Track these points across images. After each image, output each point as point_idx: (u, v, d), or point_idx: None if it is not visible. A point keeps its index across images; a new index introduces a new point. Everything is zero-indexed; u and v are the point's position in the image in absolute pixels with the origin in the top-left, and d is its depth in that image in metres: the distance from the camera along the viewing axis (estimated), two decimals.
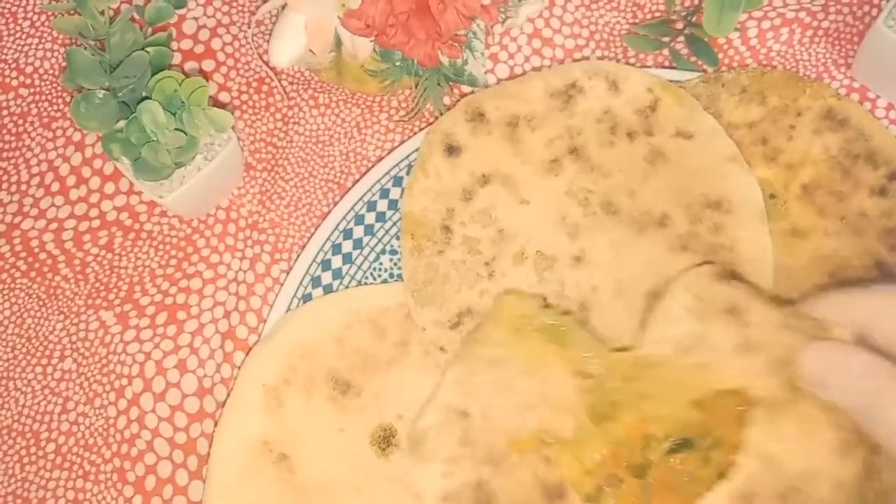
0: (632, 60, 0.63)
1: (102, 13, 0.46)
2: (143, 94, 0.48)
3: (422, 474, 0.47)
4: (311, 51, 0.53)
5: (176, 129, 0.47)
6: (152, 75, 0.49)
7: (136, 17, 0.52)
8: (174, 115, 0.48)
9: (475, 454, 0.47)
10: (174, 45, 0.63)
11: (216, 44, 0.63)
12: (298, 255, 0.55)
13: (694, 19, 0.61)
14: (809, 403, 0.44)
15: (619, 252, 0.53)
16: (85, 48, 0.47)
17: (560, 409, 0.46)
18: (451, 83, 0.57)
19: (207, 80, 0.62)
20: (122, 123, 0.50)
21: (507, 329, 0.49)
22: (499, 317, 0.50)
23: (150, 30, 0.52)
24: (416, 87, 0.57)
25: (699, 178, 0.54)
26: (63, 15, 0.47)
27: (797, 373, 0.43)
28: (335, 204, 0.56)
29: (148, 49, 0.50)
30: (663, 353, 0.47)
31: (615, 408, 0.46)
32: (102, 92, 0.48)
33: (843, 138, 0.55)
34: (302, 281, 0.53)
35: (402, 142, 0.58)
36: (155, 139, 0.47)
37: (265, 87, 0.63)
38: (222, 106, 0.61)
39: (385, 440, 0.50)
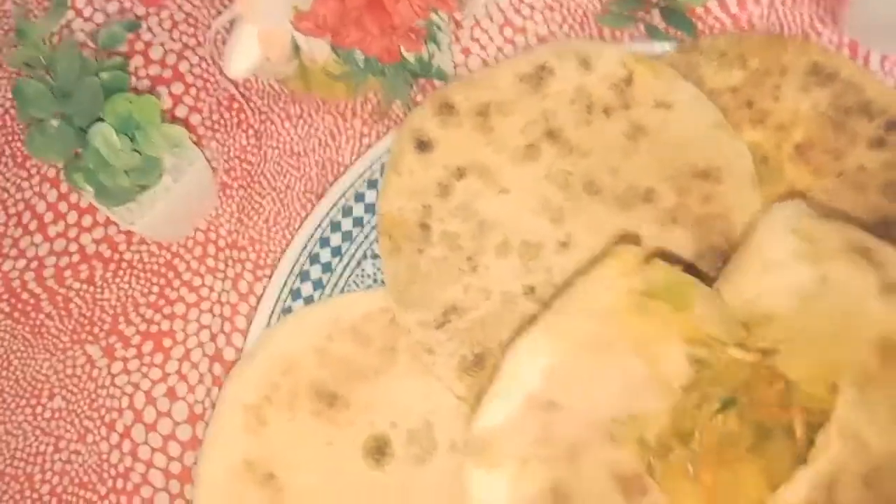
0: (607, 40, 0.61)
1: (45, 42, 0.45)
2: (98, 119, 0.47)
3: (489, 483, 0.41)
4: (268, 59, 0.52)
5: (133, 150, 0.46)
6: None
7: (90, 43, 0.51)
8: (130, 136, 0.47)
9: (554, 452, 0.41)
10: (143, 71, 0.62)
11: (183, 66, 0.62)
12: (273, 270, 0.53)
13: None
14: None
15: (606, 233, 0.51)
16: (34, 78, 0.46)
17: (662, 387, 0.41)
18: (419, 79, 0.56)
19: (177, 103, 0.62)
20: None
21: (619, 297, 0.42)
22: (607, 279, 0.43)
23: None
24: (381, 87, 0.55)
25: (683, 148, 0.52)
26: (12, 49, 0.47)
27: None
28: (308, 214, 0.55)
29: (103, 73, 0.49)
30: (783, 305, 0.42)
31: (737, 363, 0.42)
32: (56, 121, 0.47)
33: (833, 93, 0.53)
34: (280, 295, 0.52)
35: (374, 143, 0.56)
36: (111, 163, 0.46)
37: (236, 105, 0.62)
38: (193, 128, 0.61)
39: (379, 450, 0.48)
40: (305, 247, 0.53)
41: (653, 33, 0.59)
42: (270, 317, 0.51)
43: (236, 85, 0.61)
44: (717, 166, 0.51)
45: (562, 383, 0.42)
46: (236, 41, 0.50)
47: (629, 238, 0.49)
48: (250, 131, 0.61)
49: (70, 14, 0.59)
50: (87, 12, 0.62)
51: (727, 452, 0.41)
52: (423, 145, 0.53)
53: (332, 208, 0.54)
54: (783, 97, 0.53)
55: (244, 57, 0.50)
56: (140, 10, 0.64)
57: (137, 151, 0.46)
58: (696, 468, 0.41)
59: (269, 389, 0.48)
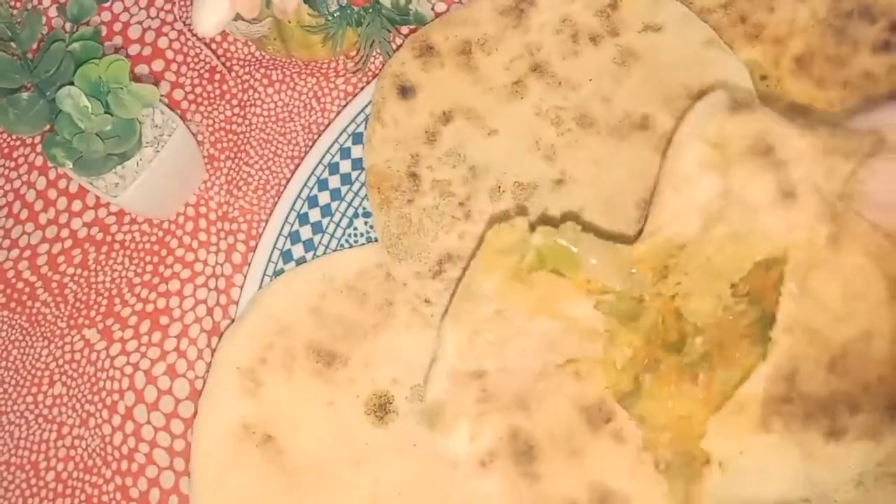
0: None
1: (9, 8, 0.44)
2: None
3: (450, 445, 0.42)
4: (239, 15, 0.50)
5: (105, 113, 0.44)
6: None
7: (63, 19, 0.50)
8: (103, 102, 0.45)
9: (500, 404, 0.42)
10: (123, 52, 0.61)
11: (163, 42, 0.61)
12: (262, 231, 0.52)
13: None
14: (857, 252, 0.38)
15: (602, 165, 0.48)
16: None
17: (587, 333, 0.42)
18: (397, 25, 0.54)
19: (159, 81, 0.61)
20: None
21: (501, 277, 0.43)
22: (488, 261, 0.44)
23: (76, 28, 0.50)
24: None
25: (677, 70, 0.49)
26: None
27: (858, 200, 0.37)
28: (292, 172, 0.53)
29: (74, 45, 0.48)
30: (688, 231, 0.40)
31: (642, 304, 0.41)
32: (28, 94, 0.46)
33: None
34: (271, 257, 0.50)
35: (354, 95, 0.55)
36: (83, 128, 0.44)
37: (217, 77, 0.60)
38: (177, 103, 0.59)
39: (381, 408, 0.46)
40: (293, 207, 0.51)
41: None
42: (262, 280, 0.50)
43: (217, 56, 0.60)
44: (712, 86, 0.48)
45: (480, 355, 0.43)
46: None
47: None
48: (234, 101, 0.59)
49: None
50: None
51: (727, 350, 0.39)
52: (405, 91, 0.51)
53: (316, 165, 0.52)
54: (778, 7, 0.50)
55: (213, 13, 0.48)
56: None
57: (110, 114, 0.44)
58: (694, 370, 0.39)
59: (264, 351, 0.46)
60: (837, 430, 0.40)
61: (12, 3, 0.45)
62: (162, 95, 0.58)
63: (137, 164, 0.51)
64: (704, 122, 0.41)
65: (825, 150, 0.38)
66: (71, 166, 0.48)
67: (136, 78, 0.50)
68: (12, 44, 0.45)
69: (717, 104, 0.41)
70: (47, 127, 0.47)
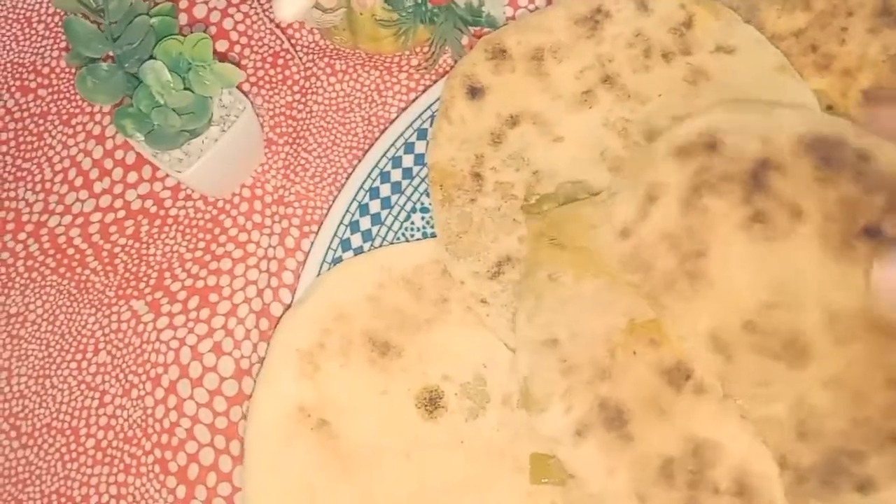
0: None
1: None
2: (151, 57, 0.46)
3: (546, 423, 0.44)
4: (319, 5, 0.51)
5: (185, 89, 0.45)
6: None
7: None
8: (181, 78, 0.46)
9: (583, 376, 0.44)
10: (188, 30, 0.62)
11: (228, 24, 0.62)
12: (324, 219, 0.52)
13: None
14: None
15: None
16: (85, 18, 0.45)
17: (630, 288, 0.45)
18: (469, 26, 0.54)
19: (222, 60, 0.61)
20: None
21: (540, 242, 0.47)
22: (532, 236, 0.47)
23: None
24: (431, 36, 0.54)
25: (747, 93, 0.50)
26: None
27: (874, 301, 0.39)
28: (358, 162, 0.54)
29: (152, 19, 0.48)
30: None
31: None
32: (107, 64, 0.46)
33: None
34: (331, 244, 0.51)
35: (423, 91, 0.55)
36: (163, 102, 0.45)
37: (280, 62, 0.61)
38: (239, 85, 0.60)
39: (432, 402, 0.47)
40: (355, 197, 0.52)
41: None
42: (321, 265, 0.50)
43: (282, 41, 0.61)
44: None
45: (547, 322, 0.45)
46: None
47: None
48: (296, 87, 0.60)
49: None
50: None
51: None
52: (474, 91, 0.51)
53: (381, 158, 0.52)
54: (850, 40, 0.51)
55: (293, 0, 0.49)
56: None
57: (190, 90, 0.45)
58: None
59: (322, 336, 0.47)
60: (864, 481, 0.41)
61: None
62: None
63: (203, 141, 0.51)
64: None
65: None
66: (142, 138, 0.49)
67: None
68: (100, 15, 0.45)
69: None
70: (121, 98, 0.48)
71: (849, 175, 0.43)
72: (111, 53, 0.46)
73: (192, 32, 0.55)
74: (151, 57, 0.45)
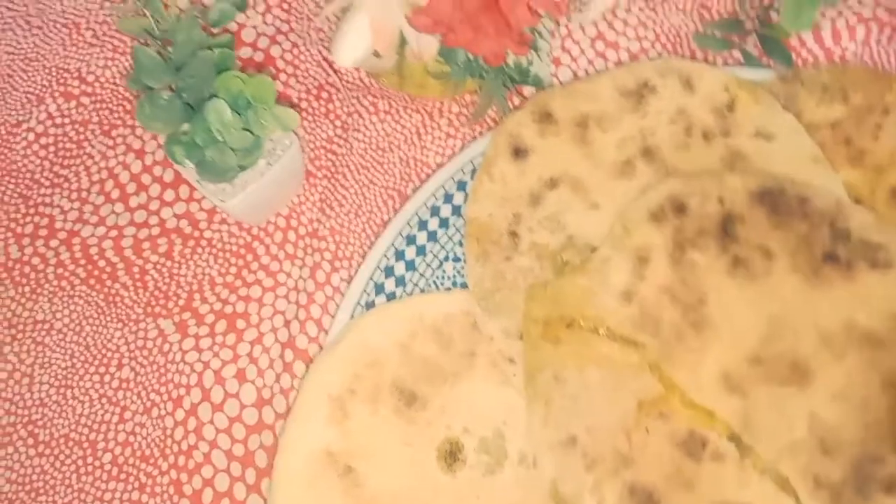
0: (701, 62, 0.61)
1: (167, 8, 0.45)
2: (209, 95, 0.47)
3: None
4: (375, 52, 0.52)
5: (243, 129, 0.46)
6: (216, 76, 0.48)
7: (203, 22, 0.51)
8: (240, 114, 0.47)
9: (607, 466, 0.45)
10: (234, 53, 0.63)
11: (275, 51, 0.63)
12: (362, 261, 0.53)
13: (766, 19, 0.59)
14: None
15: None
16: (150, 47, 0.46)
17: (631, 367, 0.47)
18: (515, 84, 0.56)
19: None
20: (185, 126, 0.49)
21: (533, 342, 0.48)
22: (526, 331, 0.49)
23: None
24: (478, 90, 0.55)
25: None
26: (128, 16, 0.47)
27: None
28: (399, 208, 0.55)
29: (212, 50, 0.49)
30: None
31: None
32: (167, 93, 0.47)
33: None
34: (365, 288, 0.52)
35: (466, 145, 0.57)
36: (221, 139, 0.46)
37: (325, 94, 0.62)
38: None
39: (452, 455, 0.48)
40: (393, 242, 0.53)
41: (749, 60, 0.59)
42: (354, 308, 0.51)
43: (328, 74, 0.62)
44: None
45: (562, 422, 0.47)
46: (348, 29, 0.50)
47: None
48: (338, 122, 0.61)
49: None
50: None
51: None
52: (518, 152, 0.53)
53: (421, 206, 0.54)
54: (884, 137, 0.53)
55: (355, 46, 0.50)
56: None
57: (248, 130, 0.46)
58: None
59: (354, 381, 0.48)
60: (889, 482, 0.44)
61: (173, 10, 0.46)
62: None
63: (249, 173, 0.52)
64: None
65: None
66: (192, 165, 0.49)
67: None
68: (161, 43, 0.46)
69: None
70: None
71: (797, 216, 0.49)
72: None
73: (237, 59, 0.57)
74: (213, 94, 0.46)
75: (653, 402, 0.46)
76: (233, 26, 0.63)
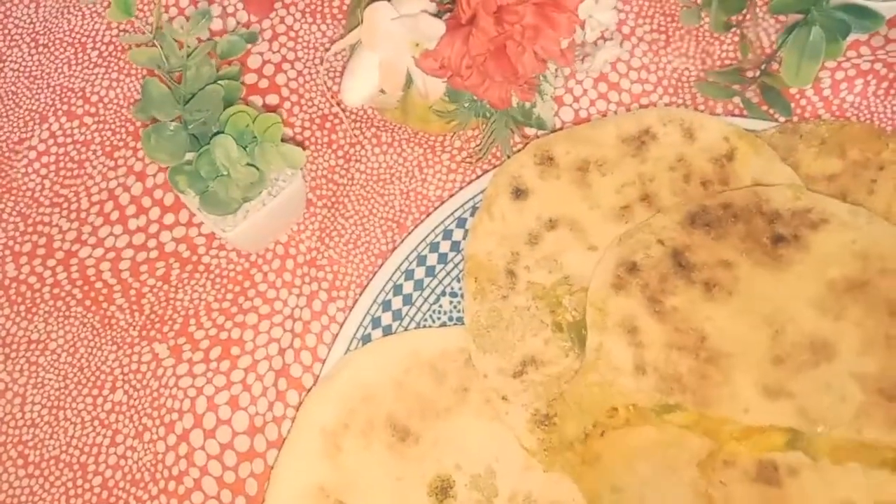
0: (700, 107, 0.62)
1: (180, 46, 0.46)
2: (214, 128, 0.48)
3: None
4: (382, 90, 0.52)
5: (248, 165, 0.46)
6: (224, 108, 0.49)
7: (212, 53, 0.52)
8: (245, 149, 0.47)
9: None
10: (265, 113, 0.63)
11: (280, 79, 0.63)
12: (360, 295, 0.54)
13: (768, 68, 0.60)
14: None
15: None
16: (159, 79, 0.47)
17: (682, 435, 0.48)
18: (518, 125, 0.56)
19: None
20: (189, 156, 0.49)
21: (585, 475, 0.48)
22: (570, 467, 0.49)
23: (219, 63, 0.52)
24: (481, 128, 0.56)
25: None
26: (139, 47, 0.47)
27: None
28: (399, 243, 0.55)
29: (220, 82, 0.50)
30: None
31: None
32: (174, 124, 0.47)
33: None
34: (362, 321, 0.52)
35: (467, 183, 0.57)
36: (226, 174, 0.46)
37: (328, 125, 0.62)
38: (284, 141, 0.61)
39: (443, 491, 0.48)
40: (391, 277, 0.53)
41: (749, 108, 0.60)
42: (350, 342, 0.52)
43: (331, 105, 0.62)
44: None
45: None
46: (356, 68, 0.51)
47: None
48: (340, 152, 0.62)
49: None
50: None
51: None
52: (519, 192, 0.53)
53: (420, 242, 0.54)
54: (878, 192, 0.54)
55: (362, 85, 0.51)
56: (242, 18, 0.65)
57: (253, 166, 0.46)
58: None
59: (348, 416, 0.48)
60: None
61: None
62: None
63: (251, 204, 0.52)
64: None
65: None
66: (194, 196, 0.50)
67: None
68: (171, 76, 0.46)
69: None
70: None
71: (729, 221, 0.51)
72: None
73: (242, 84, 0.57)
74: (219, 129, 0.46)
75: (710, 456, 0.47)
76: (244, 52, 0.64)
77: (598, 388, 0.48)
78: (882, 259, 0.49)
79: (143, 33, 0.47)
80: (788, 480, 0.46)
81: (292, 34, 0.65)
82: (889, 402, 0.46)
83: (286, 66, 0.64)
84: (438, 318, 0.54)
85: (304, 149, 0.61)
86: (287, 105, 0.63)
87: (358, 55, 0.52)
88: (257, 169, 0.46)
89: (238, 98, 0.51)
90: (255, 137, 0.47)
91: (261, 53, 0.64)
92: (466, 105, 0.54)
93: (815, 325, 0.48)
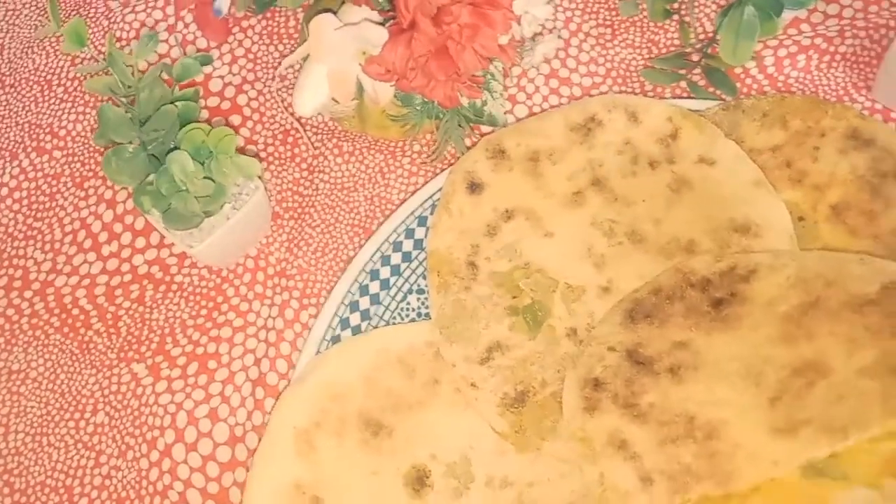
0: (650, 94, 0.63)
1: (132, 72, 0.48)
2: (172, 146, 0.49)
3: None
4: (334, 99, 0.54)
5: (205, 178, 0.48)
6: (180, 129, 0.50)
7: (165, 76, 0.54)
8: (202, 164, 0.49)
9: None
10: (201, 102, 0.65)
11: (242, 100, 0.65)
12: (327, 298, 0.55)
13: (710, 51, 0.62)
14: None
15: (647, 280, 0.52)
16: (116, 105, 0.48)
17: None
18: (471, 124, 0.58)
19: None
20: (151, 177, 0.51)
21: None
22: None
23: (177, 87, 0.54)
24: (436, 131, 0.58)
25: (725, 203, 0.54)
26: (94, 76, 0.49)
27: None
28: (362, 245, 0.57)
29: (176, 104, 0.51)
30: None
31: None
32: (132, 146, 0.49)
33: (871, 157, 0.55)
34: (331, 323, 0.53)
35: (426, 182, 0.59)
36: (184, 188, 0.48)
37: (290, 139, 0.64)
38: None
39: (419, 481, 0.49)
40: (356, 278, 0.55)
41: (695, 91, 0.62)
42: (320, 343, 0.53)
43: (292, 120, 0.64)
44: (755, 222, 0.53)
45: None
46: (306, 80, 0.53)
47: None
48: (303, 164, 0.63)
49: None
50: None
51: None
52: (474, 187, 0.55)
53: (383, 242, 0.55)
54: (822, 159, 0.55)
55: (313, 95, 0.52)
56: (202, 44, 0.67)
57: (210, 179, 0.48)
58: None
59: (320, 415, 0.49)
60: None
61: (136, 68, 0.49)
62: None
63: (215, 219, 0.54)
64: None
65: None
66: (159, 215, 0.51)
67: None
68: (127, 100, 0.48)
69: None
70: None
71: (666, 306, 0.51)
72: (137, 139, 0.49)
73: (204, 108, 0.59)
74: (175, 146, 0.48)
75: None
76: (200, 77, 0.66)
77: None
78: (821, 277, 0.49)
79: (97, 62, 0.49)
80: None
81: (251, 56, 0.67)
82: None
83: (246, 86, 0.66)
84: (407, 315, 0.55)
85: (268, 164, 0.63)
86: (249, 124, 0.65)
87: (307, 67, 0.53)
88: (213, 181, 0.48)
89: (195, 118, 0.53)
90: (211, 151, 0.48)
91: (221, 77, 0.66)
92: (418, 107, 0.56)
93: (792, 355, 0.47)
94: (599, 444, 0.47)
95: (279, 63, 0.67)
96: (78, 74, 0.67)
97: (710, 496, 0.45)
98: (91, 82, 0.49)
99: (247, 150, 0.63)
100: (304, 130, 0.62)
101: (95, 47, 0.67)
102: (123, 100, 0.50)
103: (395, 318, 0.55)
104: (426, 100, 0.55)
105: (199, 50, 0.67)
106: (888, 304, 0.47)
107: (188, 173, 0.47)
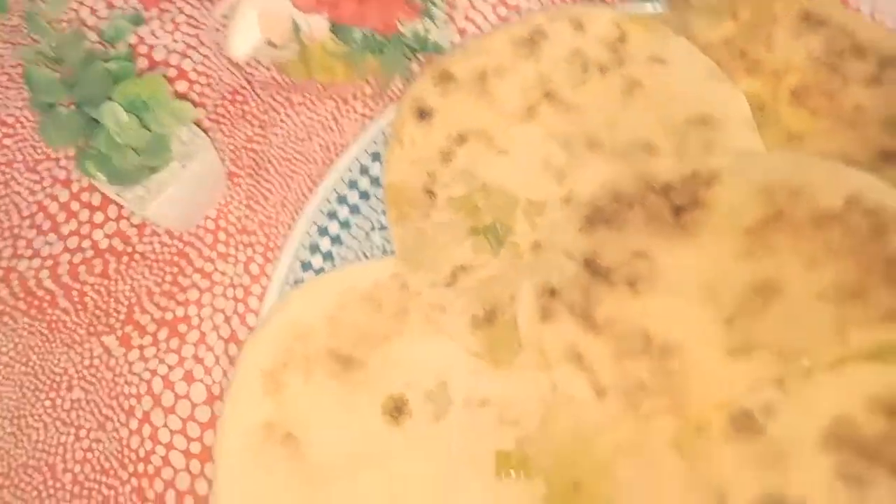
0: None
1: (53, 28, 0.46)
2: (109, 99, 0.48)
3: None
4: (271, 43, 0.53)
5: (142, 128, 0.47)
6: None
7: (100, 39, 0.53)
8: (139, 118, 0.48)
9: None
10: (147, 74, 0.64)
11: (187, 65, 0.64)
12: (282, 244, 0.54)
13: None
14: None
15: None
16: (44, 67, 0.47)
17: None
18: (416, 53, 0.57)
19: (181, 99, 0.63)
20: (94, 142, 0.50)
21: None
22: None
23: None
24: (380, 64, 0.56)
25: (680, 99, 0.52)
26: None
27: None
28: (317, 187, 0.56)
29: (110, 63, 0.50)
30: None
31: None
32: (66, 109, 0.48)
33: (825, 37, 0.53)
34: (291, 266, 0.52)
35: (372, 118, 0.57)
36: (120, 141, 0.47)
37: (240, 98, 0.63)
38: (198, 122, 0.62)
39: (397, 409, 0.48)
40: (314, 220, 0.54)
41: None
42: (282, 288, 0.52)
43: (239, 78, 0.63)
44: (712, 115, 0.51)
45: None
46: (238, 23, 0.52)
47: None
48: (255, 121, 0.62)
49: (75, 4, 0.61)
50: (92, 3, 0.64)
51: None
52: (423, 114, 0.54)
53: (337, 181, 0.54)
54: (776, 45, 0.54)
55: (246, 38, 0.51)
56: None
57: (147, 129, 0.47)
58: None
59: (286, 355, 0.48)
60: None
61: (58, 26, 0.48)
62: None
63: (164, 178, 0.53)
64: None
65: None
66: (104, 178, 0.50)
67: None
68: (58, 63, 0.47)
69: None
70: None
71: (626, 211, 0.50)
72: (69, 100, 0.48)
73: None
74: (109, 100, 0.47)
75: (681, 432, 0.44)
76: (143, 48, 0.65)
77: (570, 435, 0.46)
78: (784, 185, 0.47)
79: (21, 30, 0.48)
80: (768, 422, 0.43)
81: (193, 21, 0.66)
82: (864, 300, 0.43)
83: (191, 52, 0.64)
84: (372, 254, 0.54)
85: (219, 125, 0.62)
86: (197, 88, 0.63)
87: (239, 10, 0.52)
88: (149, 130, 0.47)
89: (131, 77, 0.52)
90: (145, 101, 0.47)
91: (165, 45, 0.65)
92: (358, 41, 0.55)
93: (752, 271, 0.46)
94: (554, 354, 0.47)
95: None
96: (20, 60, 0.66)
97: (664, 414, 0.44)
98: (19, 50, 0.49)
99: (189, 97, 0.62)
100: (245, 87, 0.61)
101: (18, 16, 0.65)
102: (55, 64, 0.49)
103: (359, 256, 0.54)
104: (366, 33, 0.54)
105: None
106: (850, 219, 0.45)
107: (122, 125, 0.46)
